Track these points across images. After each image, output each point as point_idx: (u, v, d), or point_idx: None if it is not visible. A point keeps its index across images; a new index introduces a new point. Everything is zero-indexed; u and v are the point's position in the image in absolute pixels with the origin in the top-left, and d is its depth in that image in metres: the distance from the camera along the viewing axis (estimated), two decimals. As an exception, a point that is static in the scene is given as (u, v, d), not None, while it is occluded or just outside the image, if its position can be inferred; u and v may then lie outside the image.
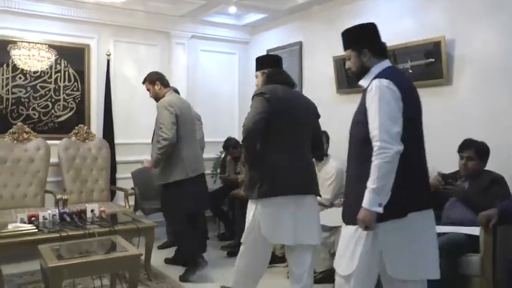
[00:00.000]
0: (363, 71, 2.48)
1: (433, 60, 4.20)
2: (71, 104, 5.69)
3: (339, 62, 5.13)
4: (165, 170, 4.26)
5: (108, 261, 3.11)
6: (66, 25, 5.60)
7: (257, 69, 3.54)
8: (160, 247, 5.07)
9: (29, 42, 5.32)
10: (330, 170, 4.53)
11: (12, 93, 5.37)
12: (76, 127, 5.55)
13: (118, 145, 5.78)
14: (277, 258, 4.44)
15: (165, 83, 4.46)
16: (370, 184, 2.23)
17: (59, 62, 5.57)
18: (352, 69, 2.54)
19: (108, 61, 5.80)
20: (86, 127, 5.62)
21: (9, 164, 5.08)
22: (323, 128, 4.69)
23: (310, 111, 3.31)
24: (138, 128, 5.81)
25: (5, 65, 5.32)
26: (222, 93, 6.65)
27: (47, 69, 5.47)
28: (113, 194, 5.68)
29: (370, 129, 2.28)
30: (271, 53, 3.45)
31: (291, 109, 3.09)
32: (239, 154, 5.54)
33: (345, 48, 2.57)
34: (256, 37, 6.70)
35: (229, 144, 5.61)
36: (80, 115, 5.71)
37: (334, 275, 3.75)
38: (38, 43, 5.36)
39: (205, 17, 6.14)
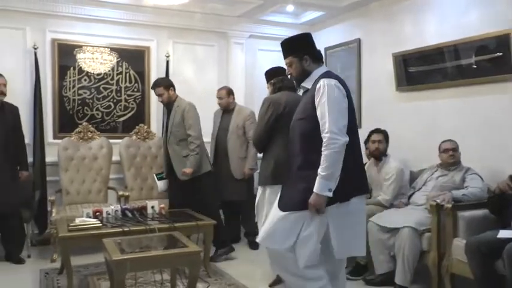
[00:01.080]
0: (304, 75, 2.83)
1: (501, 54, 3.99)
2: (132, 104, 5.86)
3: (399, 59, 4.99)
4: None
5: (169, 256, 3.18)
6: (127, 29, 5.78)
7: (268, 80, 4.18)
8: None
9: (93, 46, 5.57)
10: (390, 170, 4.40)
11: (78, 94, 5.61)
12: (136, 126, 5.72)
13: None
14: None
15: (175, 89, 4.83)
16: (321, 171, 2.53)
17: (120, 64, 5.77)
18: (293, 74, 2.87)
19: (167, 62, 5.93)
20: (146, 126, 5.79)
21: (76, 162, 5.30)
22: (382, 127, 4.62)
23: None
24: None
25: (71, 68, 5.56)
26: (279, 92, 6.62)
27: (109, 71, 5.69)
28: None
29: (320, 123, 2.59)
30: (277, 66, 4.12)
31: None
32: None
33: (285, 56, 2.91)
34: (314, 35, 6.50)
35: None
36: (140, 115, 5.88)
37: (394, 278, 3.72)
38: (100, 46, 5.60)
39: (263, 16, 6.15)
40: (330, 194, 2.54)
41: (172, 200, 4.84)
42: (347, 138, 2.55)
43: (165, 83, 4.80)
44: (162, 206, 4.32)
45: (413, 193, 4.27)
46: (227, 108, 5.27)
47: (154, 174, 5.17)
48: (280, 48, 6.75)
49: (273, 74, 4.11)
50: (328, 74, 2.72)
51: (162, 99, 4.76)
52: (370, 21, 5.58)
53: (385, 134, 4.55)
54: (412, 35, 4.97)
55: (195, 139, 4.61)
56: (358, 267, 4.18)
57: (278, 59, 6.47)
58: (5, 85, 4.59)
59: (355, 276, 4.12)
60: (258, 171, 4.17)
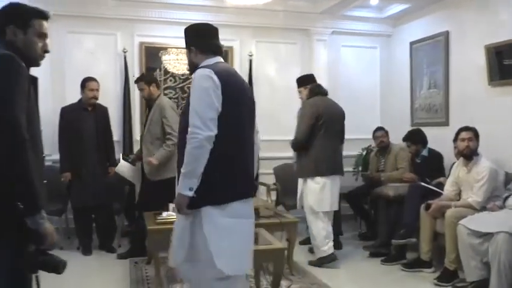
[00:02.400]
0: (192, 67, 2.56)
1: None
2: (216, 103, 5.97)
3: (492, 51, 4.69)
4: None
5: (255, 252, 3.17)
6: (210, 30, 5.90)
7: (299, 86, 4.75)
8: (302, 243, 5.08)
9: (177, 48, 5.75)
10: (482, 170, 4.11)
11: (164, 94, 5.80)
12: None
13: (261, 141, 5.93)
14: (422, 263, 4.19)
15: (158, 86, 4.80)
16: (182, 169, 2.26)
17: (204, 64, 5.89)
18: (187, 65, 2.71)
19: (250, 61, 6.00)
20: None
21: (163, 160, 5.48)
22: (472, 124, 4.33)
23: (341, 115, 4.61)
24: (279, 125, 5.88)
25: (158, 70, 5.79)
26: (363, 89, 6.48)
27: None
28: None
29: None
30: (308, 73, 4.85)
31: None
32: (387, 141, 5.39)
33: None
34: (398, 29, 6.41)
35: (381, 128, 5.51)
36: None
37: (487, 287, 3.47)
38: (185, 48, 5.73)
39: (345, 11, 6.05)
40: (190, 194, 2.24)
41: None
42: (211, 133, 2.23)
43: (147, 79, 4.74)
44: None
45: (509, 195, 3.97)
46: None
47: (121, 154, 5.07)
48: (364, 44, 6.68)
49: (305, 81, 4.74)
50: (209, 64, 2.42)
51: (143, 94, 4.75)
52: (460, 12, 5.29)
53: (475, 132, 4.26)
54: (507, 24, 4.63)
55: (175, 137, 4.22)
56: (447, 273, 3.96)
57: (362, 55, 6.48)
58: (97, 89, 4.87)
59: (443, 283, 3.90)
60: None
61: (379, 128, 5.51)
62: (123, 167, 4.77)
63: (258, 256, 3.23)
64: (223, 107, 2.30)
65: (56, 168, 4.85)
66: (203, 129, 2.22)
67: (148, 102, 4.73)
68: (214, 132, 2.25)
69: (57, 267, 1.84)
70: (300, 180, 4.57)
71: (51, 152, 4.93)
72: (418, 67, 5.95)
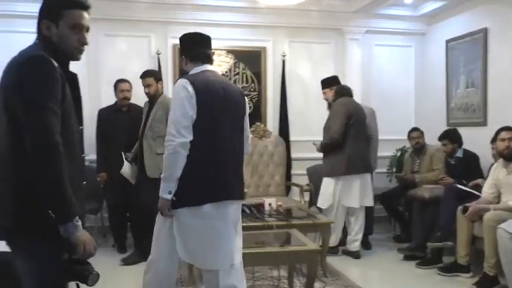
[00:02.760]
0: (181, 75, 2.75)
1: None
2: (249, 103, 5.94)
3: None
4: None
5: (288, 253, 3.18)
6: (243, 31, 5.94)
7: (324, 87, 4.92)
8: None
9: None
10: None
11: (197, 95, 5.86)
12: (253, 125, 5.83)
13: (293, 142, 5.94)
14: (460, 267, 4.08)
15: (162, 83, 4.74)
16: (162, 174, 2.47)
17: (237, 65, 5.93)
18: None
19: (283, 61, 5.98)
20: (262, 125, 5.89)
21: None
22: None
23: (365, 115, 4.78)
24: (311, 125, 5.84)
25: (191, 71, 5.83)
26: (397, 89, 6.36)
27: (226, 72, 5.88)
28: (288, 189, 5.84)
29: None
30: (340, 73, 5.13)
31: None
32: (423, 143, 5.28)
33: None
34: (433, 27, 6.27)
35: (417, 129, 5.39)
36: (257, 114, 5.99)
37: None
38: (217, 49, 5.80)
39: (379, 10, 5.96)
40: (169, 197, 2.45)
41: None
42: (185, 139, 2.40)
43: (156, 75, 4.66)
44: (279, 203, 4.35)
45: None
46: None
47: (123, 152, 4.75)
48: (398, 43, 6.56)
49: (330, 82, 4.92)
50: (190, 74, 2.61)
51: (149, 91, 4.57)
52: (500, 8, 5.13)
53: None
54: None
55: None
56: (486, 279, 3.83)
57: (396, 54, 6.38)
58: (129, 90, 4.94)
59: None
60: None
61: (415, 129, 5.40)
62: (126, 168, 4.66)
63: (291, 257, 3.25)
64: (198, 115, 2.45)
65: (93, 168, 4.94)
66: (177, 137, 2.41)
67: (151, 100, 4.64)
68: (189, 138, 2.42)
69: (85, 278, 1.76)
70: (329, 180, 4.67)
71: (88, 152, 5.01)
72: (454, 66, 5.81)
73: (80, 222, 1.73)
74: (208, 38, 2.85)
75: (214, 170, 2.50)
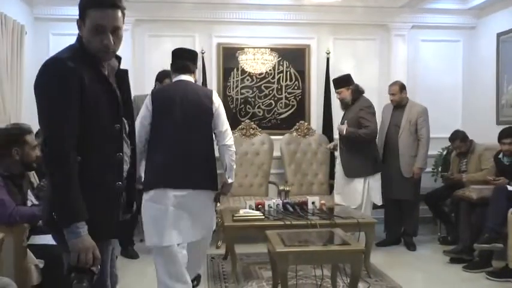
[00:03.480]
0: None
1: None
2: (292, 101, 5.99)
3: None
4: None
5: (332, 252, 3.17)
6: (287, 29, 5.94)
7: (340, 86, 4.88)
8: (379, 244, 4.98)
9: (254, 48, 5.81)
10: None
11: (241, 93, 5.92)
12: (297, 123, 5.83)
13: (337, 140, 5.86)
14: (510, 272, 3.94)
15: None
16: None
17: (281, 63, 5.93)
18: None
19: (328, 59, 5.93)
20: (306, 123, 5.87)
21: (239, 157, 5.55)
22: None
23: None
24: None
25: (235, 69, 5.89)
26: (443, 86, 6.18)
27: (270, 70, 5.90)
28: (331, 188, 5.79)
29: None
30: (346, 74, 5.07)
31: None
32: (466, 149, 5.10)
33: None
34: (483, 20, 6.04)
35: (457, 136, 5.16)
36: (301, 112, 5.98)
37: None
38: (261, 47, 5.83)
39: (426, 4, 5.81)
40: (140, 186, 2.96)
41: None
42: (139, 141, 2.89)
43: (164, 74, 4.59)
44: (322, 202, 4.34)
45: None
46: (399, 104, 5.07)
47: None
48: (445, 38, 6.36)
49: (347, 81, 4.90)
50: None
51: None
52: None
53: None
54: None
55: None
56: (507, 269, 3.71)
57: (443, 49, 6.21)
58: None
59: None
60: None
61: (455, 137, 5.15)
62: None
63: (335, 256, 3.23)
64: (153, 119, 3.10)
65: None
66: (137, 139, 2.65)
67: None
68: (142, 140, 3.06)
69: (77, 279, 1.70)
70: (359, 180, 4.76)
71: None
72: (505, 60, 5.58)
73: (82, 229, 1.69)
74: (188, 51, 3.52)
75: (159, 162, 3.07)
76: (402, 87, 5.07)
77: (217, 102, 3.24)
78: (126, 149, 1.96)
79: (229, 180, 3.29)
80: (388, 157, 5.05)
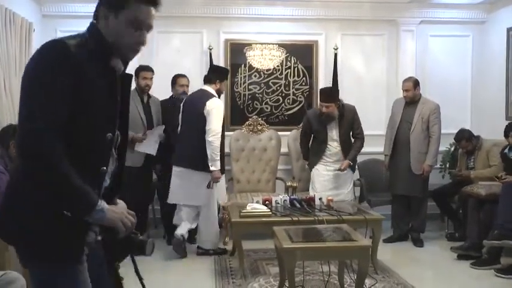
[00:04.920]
0: None
1: None
2: (300, 97, 5.98)
3: None
4: None
5: (339, 249, 3.17)
6: (295, 24, 5.93)
7: (331, 101, 4.78)
8: (386, 241, 4.97)
9: (262, 44, 5.81)
10: None
11: (248, 89, 5.92)
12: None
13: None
14: None
15: None
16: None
17: (288, 59, 5.92)
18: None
19: (335, 55, 5.89)
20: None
21: (246, 153, 5.61)
22: None
23: None
24: (365, 119, 5.69)
25: (242, 65, 5.89)
26: (452, 81, 6.14)
27: (277, 66, 5.89)
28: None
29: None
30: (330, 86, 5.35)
31: None
32: (473, 147, 5.07)
33: None
34: (494, 15, 5.97)
35: (462, 136, 5.14)
36: (308, 108, 5.95)
37: None
38: (269, 43, 5.83)
39: (435, -1, 5.78)
40: None
41: None
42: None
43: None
44: (329, 198, 4.33)
45: None
46: (412, 100, 5.03)
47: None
48: (455, 33, 6.29)
49: (335, 96, 4.90)
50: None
51: (149, 84, 4.84)
52: None
53: None
54: None
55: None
56: None
57: (452, 44, 6.17)
58: (187, 85, 5.08)
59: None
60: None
61: (460, 138, 5.14)
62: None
63: (342, 252, 3.23)
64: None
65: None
66: None
67: (142, 93, 4.85)
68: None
69: (142, 247, 1.68)
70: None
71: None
72: (516, 55, 5.53)
73: (101, 203, 1.55)
74: (215, 66, 5.03)
75: (175, 150, 4.55)
76: (416, 84, 5.02)
77: (210, 107, 4.34)
78: (111, 165, 1.70)
79: (212, 168, 4.32)
80: (398, 153, 5.03)
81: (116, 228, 1.59)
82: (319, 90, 5.16)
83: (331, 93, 4.89)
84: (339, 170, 4.79)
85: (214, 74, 4.60)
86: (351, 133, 4.96)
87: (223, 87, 4.67)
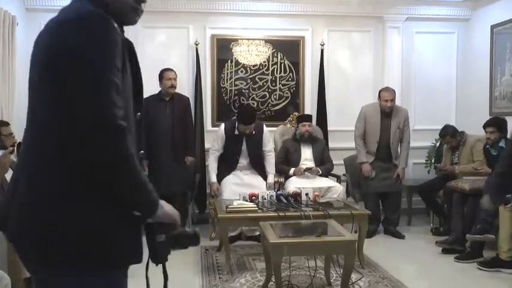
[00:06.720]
0: None
1: None
2: (286, 93, 5.99)
3: None
4: None
5: (326, 243, 3.19)
6: (282, 20, 5.92)
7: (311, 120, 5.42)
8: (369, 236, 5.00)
9: (248, 39, 5.80)
10: None
11: (235, 85, 5.91)
12: (291, 115, 5.83)
13: (331, 132, 5.84)
14: (502, 263, 3.97)
15: None
16: None
17: (275, 55, 5.92)
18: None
19: (322, 51, 5.91)
20: (299, 114, 5.83)
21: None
22: None
23: None
24: (351, 115, 5.75)
25: (229, 61, 5.88)
26: (437, 77, 6.19)
27: (264, 62, 5.88)
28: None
29: None
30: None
31: None
32: (457, 143, 5.13)
33: None
34: (478, 12, 6.03)
35: (447, 132, 5.20)
36: (295, 104, 5.99)
37: None
38: (256, 39, 5.82)
39: (421, -4, 5.81)
40: None
41: None
42: None
43: None
44: (316, 193, 4.35)
45: None
46: (392, 110, 5.14)
47: None
48: (440, 30, 6.36)
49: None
50: None
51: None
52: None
53: None
54: None
55: None
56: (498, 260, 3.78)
57: (437, 41, 6.22)
58: (175, 79, 5.03)
59: None
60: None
61: (444, 134, 5.21)
62: None
63: (329, 247, 3.25)
64: None
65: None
66: None
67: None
68: None
69: (196, 238, 1.64)
70: None
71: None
72: (499, 52, 5.59)
73: (159, 201, 1.45)
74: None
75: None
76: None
77: None
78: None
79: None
80: (379, 159, 5.20)
81: (173, 224, 1.50)
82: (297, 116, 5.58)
83: (309, 116, 5.45)
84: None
85: None
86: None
87: None
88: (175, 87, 5.01)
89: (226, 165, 5.03)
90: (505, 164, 2.79)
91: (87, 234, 1.32)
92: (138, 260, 1.43)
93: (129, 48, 1.47)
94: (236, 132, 4.97)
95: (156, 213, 1.42)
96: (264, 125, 5.17)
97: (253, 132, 4.96)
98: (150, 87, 5.12)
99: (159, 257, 1.53)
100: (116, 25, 1.35)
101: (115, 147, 1.28)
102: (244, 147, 5.00)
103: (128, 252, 1.40)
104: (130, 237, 1.39)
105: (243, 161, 5.04)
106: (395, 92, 5.16)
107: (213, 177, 4.99)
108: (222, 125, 5.10)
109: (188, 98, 5.26)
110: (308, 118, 5.35)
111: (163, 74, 5.02)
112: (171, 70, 5.05)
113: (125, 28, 1.51)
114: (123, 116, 1.30)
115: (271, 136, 5.68)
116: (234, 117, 5.18)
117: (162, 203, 1.45)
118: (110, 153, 1.28)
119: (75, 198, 1.32)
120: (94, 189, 1.32)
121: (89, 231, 1.32)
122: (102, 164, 1.29)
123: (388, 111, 5.11)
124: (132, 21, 1.51)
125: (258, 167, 5.05)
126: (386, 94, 5.10)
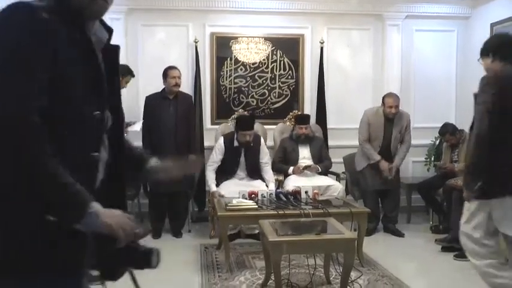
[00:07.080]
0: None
1: None
2: (286, 91, 5.98)
3: None
4: None
5: (325, 241, 3.19)
6: (281, 18, 5.91)
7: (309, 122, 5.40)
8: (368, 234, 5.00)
9: (248, 37, 5.79)
10: None
11: (234, 83, 5.90)
12: (290, 113, 5.82)
13: (331, 130, 5.84)
14: None
15: None
16: None
17: (274, 52, 5.91)
18: None
19: (321, 49, 5.90)
20: (299, 113, 5.84)
21: (233, 147, 5.58)
22: None
23: None
24: (351, 113, 5.76)
25: (228, 59, 5.86)
26: (437, 75, 6.18)
27: (263, 60, 5.87)
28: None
29: None
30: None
31: None
32: (457, 141, 5.13)
33: None
34: (478, 10, 6.02)
35: (446, 130, 5.20)
36: (294, 101, 5.99)
37: None
38: (255, 37, 5.80)
39: (421, -6, 5.80)
40: None
41: None
42: None
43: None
44: (315, 191, 4.35)
45: None
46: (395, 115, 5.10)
47: None
48: (440, 28, 6.35)
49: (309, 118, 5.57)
50: None
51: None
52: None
53: None
54: None
55: None
56: None
57: (437, 39, 6.21)
58: (179, 77, 5.01)
59: None
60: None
61: (444, 132, 5.22)
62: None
63: (328, 245, 3.25)
64: None
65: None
66: None
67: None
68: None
69: (147, 259, 1.38)
70: None
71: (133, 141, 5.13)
72: (499, 51, 5.58)
73: (96, 206, 1.25)
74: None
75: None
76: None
77: None
78: (103, 152, 1.43)
79: None
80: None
81: (115, 236, 1.27)
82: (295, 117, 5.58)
83: (308, 117, 5.44)
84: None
85: None
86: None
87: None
88: (179, 86, 4.99)
89: (225, 175, 5.03)
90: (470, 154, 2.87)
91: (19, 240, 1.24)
92: (78, 267, 1.33)
93: (108, 53, 1.44)
94: (235, 144, 4.97)
95: (84, 220, 1.23)
96: (262, 139, 5.20)
97: (251, 144, 4.96)
98: (150, 85, 5.15)
99: (107, 273, 1.40)
100: (46, 16, 1.25)
101: (14, 139, 1.18)
102: (242, 159, 5.01)
103: (60, 260, 1.28)
104: (63, 245, 1.27)
105: (241, 172, 5.06)
106: (399, 98, 5.09)
107: (213, 187, 4.94)
108: (221, 138, 5.09)
109: (191, 97, 5.26)
110: (305, 121, 5.34)
111: (167, 72, 4.96)
112: (176, 68, 5.01)
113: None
114: (40, 109, 1.21)
115: (270, 134, 5.70)
116: (233, 130, 5.17)
117: (101, 211, 1.26)
118: (10, 151, 1.19)
119: None
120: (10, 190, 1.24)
121: (15, 238, 1.24)
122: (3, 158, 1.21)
123: (391, 117, 5.08)
124: (96, 14, 1.39)
125: (255, 177, 5.06)
126: (390, 100, 5.02)
